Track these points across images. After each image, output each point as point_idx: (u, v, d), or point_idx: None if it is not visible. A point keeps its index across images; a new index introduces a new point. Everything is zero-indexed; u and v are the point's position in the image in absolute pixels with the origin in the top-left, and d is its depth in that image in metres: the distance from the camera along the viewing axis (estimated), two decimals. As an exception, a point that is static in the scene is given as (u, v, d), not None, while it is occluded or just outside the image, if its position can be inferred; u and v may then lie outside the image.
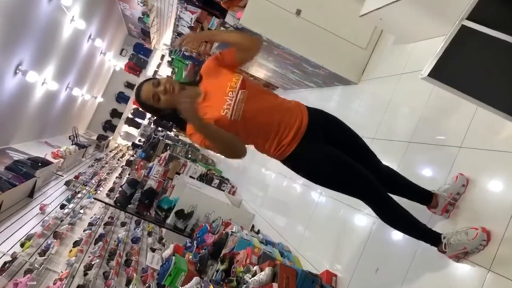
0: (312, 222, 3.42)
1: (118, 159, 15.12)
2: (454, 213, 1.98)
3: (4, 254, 5.29)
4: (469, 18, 1.46)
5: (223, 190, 5.66)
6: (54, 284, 5.23)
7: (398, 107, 3.03)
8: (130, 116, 18.56)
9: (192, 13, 5.09)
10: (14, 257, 5.25)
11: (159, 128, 11.20)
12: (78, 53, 11.61)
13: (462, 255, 1.80)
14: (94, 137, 16.17)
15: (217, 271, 2.60)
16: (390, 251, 2.40)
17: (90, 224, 7.74)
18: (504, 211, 1.75)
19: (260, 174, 5.49)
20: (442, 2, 2.43)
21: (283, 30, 3.60)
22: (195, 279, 2.50)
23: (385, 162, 2.14)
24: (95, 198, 5.80)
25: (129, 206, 4.18)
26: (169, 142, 8.56)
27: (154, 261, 3.74)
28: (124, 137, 18.77)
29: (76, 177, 9.83)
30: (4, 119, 8.30)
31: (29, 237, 5.97)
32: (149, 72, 17.55)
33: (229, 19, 4.24)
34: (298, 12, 3.54)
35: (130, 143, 17.29)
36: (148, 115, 17.22)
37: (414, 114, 2.72)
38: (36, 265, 5.37)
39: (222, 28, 4.58)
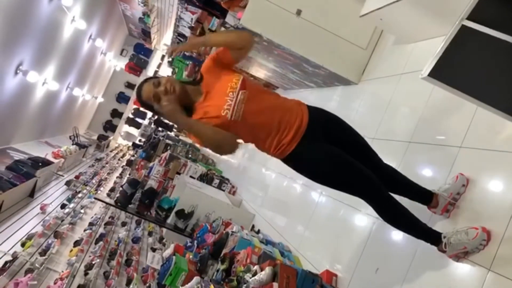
0: (312, 222, 3.42)
1: (119, 159, 15.13)
2: (454, 213, 1.98)
3: (5, 254, 5.30)
4: (469, 18, 1.46)
5: (224, 190, 5.67)
6: (55, 283, 5.23)
7: (398, 107, 3.04)
8: (131, 116, 18.58)
9: (192, 14, 5.10)
10: (14, 257, 5.26)
11: (160, 128, 11.22)
12: (78, 53, 11.62)
13: (462, 255, 1.80)
14: (95, 137, 16.19)
15: (218, 270, 2.60)
16: (390, 251, 2.40)
17: (91, 224, 7.74)
18: (504, 211, 1.75)
19: (260, 174, 5.49)
20: (442, 2, 2.43)
21: (283, 30, 3.60)
22: (196, 278, 2.50)
23: (385, 162, 2.14)
24: (95, 198, 5.81)
25: (129, 206, 4.18)
26: (170, 142, 8.57)
27: (154, 260, 3.74)
28: (125, 137, 18.78)
29: (77, 177, 9.85)
30: (5, 119, 8.31)
31: (29, 237, 5.98)
32: (149, 72, 17.55)
33: (229, 19, 4.24)
34: (299, 12, 3.54)
35: (130, 143, 17.30)
36: (149, 115, 17.25)
37: (414, 114, 2.72)
38: (36, 265, 5.38)
39: (222, 29, 4.59)
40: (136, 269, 5.89)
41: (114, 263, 6.14)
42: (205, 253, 2.91)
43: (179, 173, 5.50)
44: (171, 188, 4.83)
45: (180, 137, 10.09)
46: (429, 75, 1.48)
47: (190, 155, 7.81)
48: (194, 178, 5.60)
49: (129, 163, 11.17)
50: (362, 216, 2.75)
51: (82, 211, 8.21)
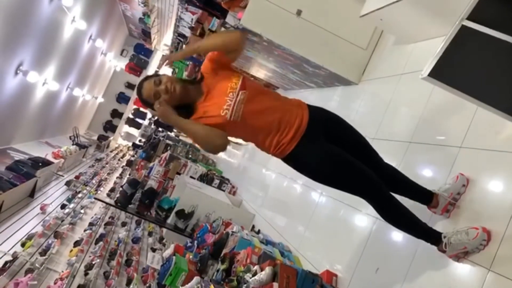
0: (312, 222, 3.42)
1: (119, 159, 15.13)
2: (455, 213, 1.98)
3: (5, 254, 5.30)
4: (469, 18, 1.46)
5: (224, 190, 5.67)
6: (55, 283, 5.23)
7: (399, 107, 3.04)
8: (131, 116, 18.58)
9: (192, 14, 5.10)
10: (15, 257, 5.26)
11: (160, 129, 11.21)
12: (79, 53, 11.63)
13: (462, 255, 1.80)
14: (95, 137, 16.19)
15: (218, 270, 2.60)
16: (390, 251, 2.40)
17: (91, 224, 7.74)
18: (504, 211, 1.75)
19: (260, 174, 5.49)
20: (442, 2, 2.43)
21: (283, 31, 3.60)
22: (196, 278, 2.51)
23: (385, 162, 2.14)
24: (95, 198, 5.81)
25: (129, 206, 4.18)
26: (170, 142, 8.56)
27: (154, 261, 3.75)
28: (125, 137, 18.78)
29: (77, 177, 9.85)
30: (5, 119, 8.32)
31: (30, 237, 5.98)
32: (149, 72, 17.55)
33: (229, 19, 4.25)
34: (299, 13, 3.54)
35: (130, 143, 17.29)
36: (149, 115, 17.25)
37: (415, 114, 2.72)
38: (37, 265, 5.38)
39: (222, 29, 4.59)
40: (136, 269, 5.88)
41: (114, 263, 6.14)
42: (205, 253, 2.91)
43: (179, 173, 5.50)
44: (171, 188, 4.83)
45: (180, 138, 10.08)
46: (429, 75, 1.48)
47: (190, 156, 7.82)
48: (194, 178, 5.61)
49: (129, 163, 11.17)
50: (362, 216, 2.75)
51: (82, 211, 8.20)
